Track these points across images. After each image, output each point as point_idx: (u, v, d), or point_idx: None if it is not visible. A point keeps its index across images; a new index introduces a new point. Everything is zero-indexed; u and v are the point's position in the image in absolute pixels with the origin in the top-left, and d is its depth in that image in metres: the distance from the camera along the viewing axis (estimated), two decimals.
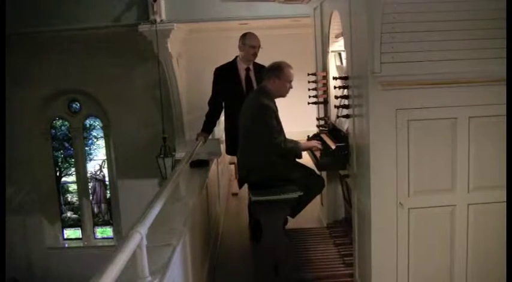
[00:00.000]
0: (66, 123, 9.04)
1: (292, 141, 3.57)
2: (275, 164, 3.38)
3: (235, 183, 6.37)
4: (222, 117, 4.69)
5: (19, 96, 8.04)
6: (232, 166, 6.80)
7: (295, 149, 3.46)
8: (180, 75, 7.56)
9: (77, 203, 9.16)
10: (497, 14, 2.54)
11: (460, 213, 2.82)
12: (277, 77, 3.45)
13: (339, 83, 3.39)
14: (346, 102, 3.29)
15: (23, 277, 8.33)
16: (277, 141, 3.33)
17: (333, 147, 3.39)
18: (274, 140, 3.32)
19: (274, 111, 3.40)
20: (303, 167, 3.61)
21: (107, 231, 9.23)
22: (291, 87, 3.54)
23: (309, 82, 4.38)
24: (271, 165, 3.38)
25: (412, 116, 2.71)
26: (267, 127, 3.33)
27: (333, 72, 4.05)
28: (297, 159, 3.57)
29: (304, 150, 3.56)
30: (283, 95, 3.55)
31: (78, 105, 8.93)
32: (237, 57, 4.36)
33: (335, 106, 3.52)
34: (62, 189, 9.16)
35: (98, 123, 9.03)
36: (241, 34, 4.35)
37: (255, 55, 4.28)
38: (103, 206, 9.23)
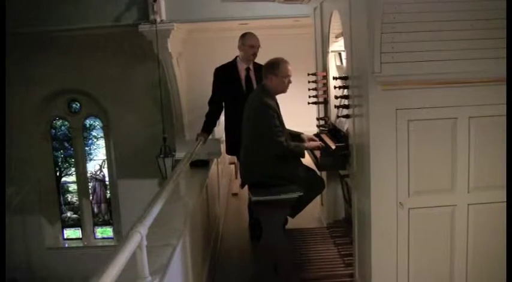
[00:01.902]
0: (66, 123, 9.04)
1: (292, 135, 3.57)
2: (277, 164, 3.38)
3: (235, 183, 6.37)
4: (222, 117, 4.69)
5: (19, 96, 8.05)
6: (232, 166, 6.80)
7: (298, 149, 3.46)
8: (180, 75, 7.56)
9: (77, 203, 9.16)
10: (497, 14, 2.54)
11: (460, 213, 2.82)
12: (274, 74, 3.45)
13: (339, 83, 3.39)
14: (346, 102, 3.29)
15: (23, 277, 8.34)
16: (280, 140, 3.32)
17: (333, 147, 3.39)
18: (276, 138, 3.31)
19: (276, 111, 3.39)
20: (304, 166, 3.61)
21: (107, 231, 9.24)
22: (290, 82, 3.52)
23: (309, 82, 4.38)
24: (274, 164, 3.38)
25: (412, 116, 2.71)
26: (269, 127, 3.32)
27: (333, 72, 4.05)
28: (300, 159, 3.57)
29: (307, 150, 3.56)
30: (283, 91, 3.54)
31: (78, 105, 8.94)
32: (237, 57, 4.36)
33: (335, 106, 3.52)
34: (62, 189, 9.17)
35: (98, 123, 9.04)
36: (241, 34, 4.35)
37: (255, 55, 4.28)
38: (103, 206, 9.23)
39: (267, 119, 3.33)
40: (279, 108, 3.47)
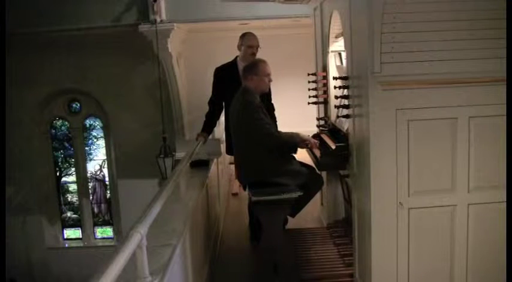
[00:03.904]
0: (66, 123, 9.04)
1: (288, 133, 3.58)
2: (273, 160, 3.39)
3: (235, 183, 6.36)
4: (222, 117, 4.69)
5: (19, 96, 8.04)
6: (232, 166, 6.79)
7: (292, 137, 3.47)
8: (180, 75, 7.56)
9: (77, 203, 9.16)
10: (497, 14, 2.54)
11: (460, 213, 2.82)
12: (254, 74, 3.52)
13: (339, 83, 3.39)
14: (346, 102, 3.29)
15: (23, 277, 8.33)
16: (269, 131, 3.35)
17: (333, 147, 3.39)
18: (266, 130, 3.34)
19: (260, 106, 3.42)
20: (301, 163, 3.62)
21: (107, 231, 9.24)
22: (270, 80, 3.61)
23: (309, 82, 4.38)
24: (269, 161, 3.39)
25: (412, 116, 2.72)
26: (256, 121, 3.35)
27: (333, 72, 4.05)
28: (294, 156, 3.57)
29: (301, 141, 3.54)
30: (264, 89, 3.62)
31: (78, 105, 8.94)
32: (237, 57, 4.36)
33: (335, 106, 3.52)
34: (62, 189, 9.16)
35: (98, 123, 9.03)
36: (241, 34, 4.35)
37: (254, 55, 4.28)
38: (103, 206, 9.23)
39: (251, 116, 3.36)
40: (273, 111, 3.48)
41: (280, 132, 3.47)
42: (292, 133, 3.53)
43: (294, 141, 3.48)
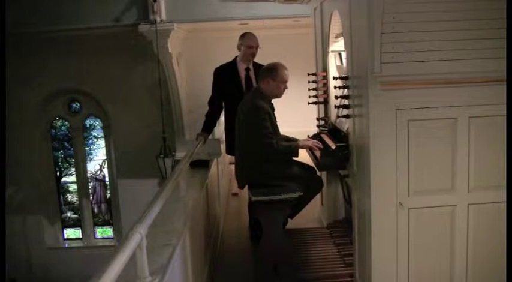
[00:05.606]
0: (66, 123, 9.04)
1: (288, 140, 3.57)
2: (271, 163, 3.39)
3: (235, 183, 6.36)
4: (222, 117, 4.69)
5: (19, 96, 8.04)
6: (232, 166, 6.80)
7: (290, 149, 3.46)
8: (180, 75, 7.56)
9: (77, 203, 9.16)
10: (497, 14, 2.54)
11: (460, 213, 2.82)
12: (271, 78, 3.47)
13: (339, 83, 3.39)
14: (346, 102, 3.29)
15: (23, 277, 8.33)
16: (270, 141, 3.33)
17: (333, 147, 3.39)
18: (266, 140, 3.32)
19: (268, 113, 3.40)
20: (301, 165, 3.62)
21: (107, 231, 9.24)
22: (286, 88, 3.54)
23: (309, 82, 4.38)
24: (268, 164, 3.39)
25: (412, 116, 2.72)
26: (260, 128, 3.34)
27: (333, 72, 4.05)
28: (294, 158, 3.57)
29: (301, 148, 3.55)
30: (278, 95, 3.56)
31: (78, 105, 8.93)
32: (236, 57, 4.37)
33: (335, 106, 3.52)
34: (62, 189, 9.16)
35: (98, 123, 9.03)
36: (240, 34, 4.35)
37: (253, 55, 4.29)
38: (103, 206, 9.23)
39: (257, 121, 3.34)
40: (273, 111, 3.48)
41: (280, 143, 3.45)
42: (291, 143, 3.52)
43: (292, 151, 3.47)
